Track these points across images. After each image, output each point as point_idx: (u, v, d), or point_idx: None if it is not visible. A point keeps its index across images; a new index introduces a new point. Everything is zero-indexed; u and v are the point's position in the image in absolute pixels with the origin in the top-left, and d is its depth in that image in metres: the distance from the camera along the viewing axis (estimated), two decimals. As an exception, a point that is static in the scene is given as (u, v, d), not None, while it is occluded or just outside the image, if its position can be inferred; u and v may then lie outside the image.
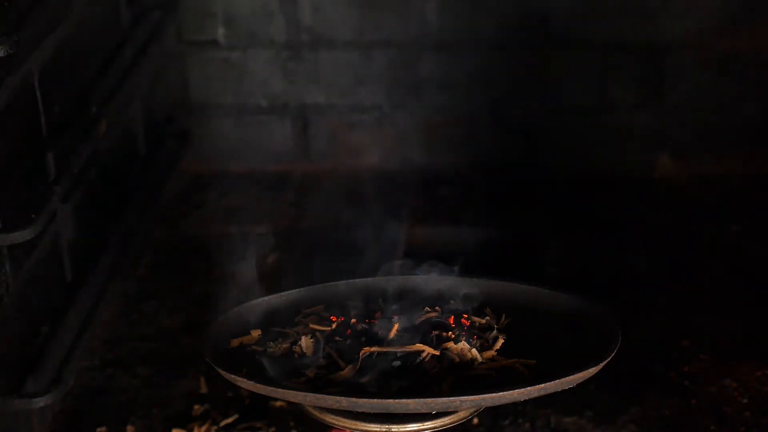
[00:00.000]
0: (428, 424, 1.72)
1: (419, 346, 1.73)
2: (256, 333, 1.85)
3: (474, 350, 1.74)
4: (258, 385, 1.68)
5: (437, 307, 1.85)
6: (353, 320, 1.83)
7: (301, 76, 3.18)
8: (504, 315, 1.86)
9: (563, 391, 1.68)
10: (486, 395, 1.64)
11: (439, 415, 1.72)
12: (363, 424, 1.72)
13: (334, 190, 3.08)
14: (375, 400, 1.64)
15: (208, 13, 3.15)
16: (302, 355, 1.78)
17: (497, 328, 1.82)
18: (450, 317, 1.82)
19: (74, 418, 2.31)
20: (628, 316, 2.55)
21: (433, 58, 3.14)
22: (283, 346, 1.81)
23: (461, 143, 3.21)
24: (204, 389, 2.37)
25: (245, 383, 1.70)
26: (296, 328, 1.85)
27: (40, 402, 2.04)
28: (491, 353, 1.76)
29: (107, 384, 2.41)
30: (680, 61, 3.11)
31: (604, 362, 1.70)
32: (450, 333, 1.77)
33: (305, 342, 1.79)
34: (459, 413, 1.74)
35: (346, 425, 1.73)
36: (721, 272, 2.75)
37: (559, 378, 1.66)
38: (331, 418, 1.74)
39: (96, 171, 2.51)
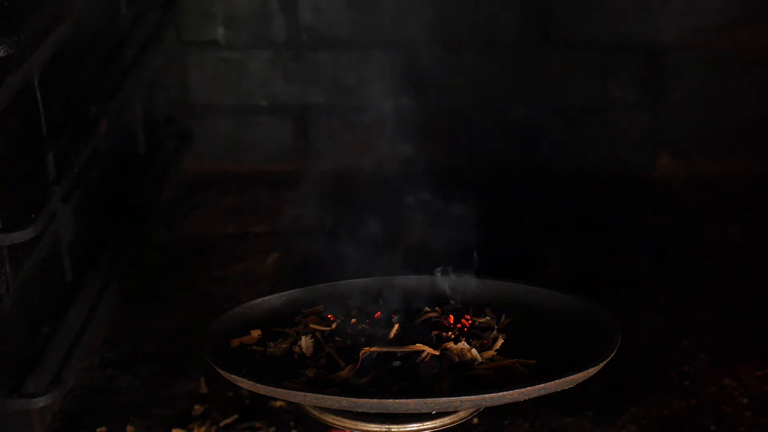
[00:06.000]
0: (428, 424, 1.72)
1: (419, 346, 1.73)
2: (256, 333, 1.85)
3: (474, 350, 1.74)
4: (258, 385, 1.68)
5: (437, 307, 1.85)
6: (353, 320, 1.83)
7: (301, 76, 3.18)
8: (504, 315, 1.86)
9: (563, 391, 1.68)
10: (486, 395, 1.64)
11: (439, 415, 1.72)
12: (363, 424, 1.72)
13: (334, 191, 3.08)
14: (375, 400, 1.64)
15: (208, 13, 3.15)
16: (302, 355, 1.78)
17: (497, 328, 1.82)
18: (450, 317, 1.82)
19: (74, 418, 2.31)
20: (628, 316, 2.55)
21: (432, 58, 3.14)
22: (283, 346, 1.81)
23: (461, 143, 3.21)
24: (204, 389, 2.38)
25: (245, 383, 1.70)
26: (296, 328, 1.85)
27: (40, 402, 2.04)
28: (491, 353, 1.76)
29: (107, 384, 2.41)
30: (680, 61, 3.11)
31: (604, 362, 1.71)
32: (450, 333, 1.78)
33: (305, 342, 1.79)
34: (459, 413, 1.74)
35: (346, 425, 1.73)
36: (721, 272, 2.75)
37: (559, 378, 1.66)
38: (331, 418, 1.74)
39: (96, 171, 2.51)
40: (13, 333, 2.07)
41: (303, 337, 1.80)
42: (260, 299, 1.92)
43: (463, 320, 1.82)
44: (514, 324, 1.85)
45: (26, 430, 2.16)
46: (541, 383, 1.65)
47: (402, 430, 1.72)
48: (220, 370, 1.72)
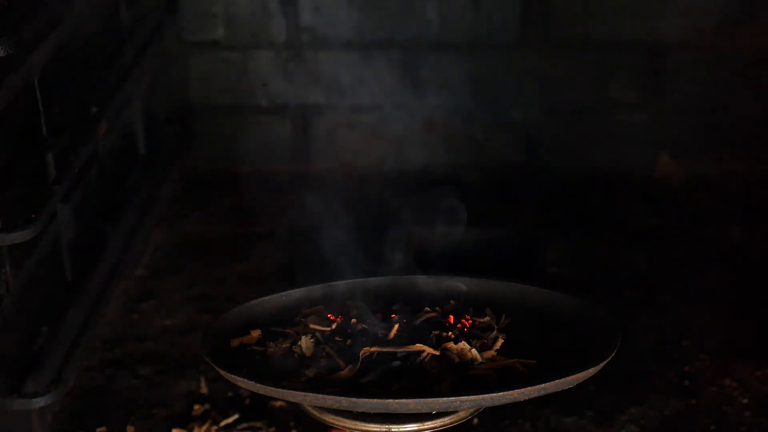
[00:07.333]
0: (428, 424, 1.72)
1: (419, 346, 1.73)
2: (256, 333, 1.85)
3: (474, 350, 1.74)
4: (258, 385, 1.68)
5: (437, 307, 1.85)
6: (353, 320, 1.83)
7: (301, 76, 3.18)
8: (504, 315, 1.86)
9: (563, 391, 1.68)
10: (486, 395, 1.64)
11: (439, 415, 1.72)
12: (363, 424, 1.72)
13: (333, 191, 3.08)
14: (375, 400, 1.64)
15: (208, 13, 3.15)
16: (302, 355, 1.78)
17: (497, 328, 1.82)
18: (450, 317, 1.82)
19: (74, 418, 2.31)
20: (628, 316, 2.55)
21: (433, 58, 3.14)
22: (283, 346, 1.81)
23: (461, 143, 3.21)
24: (204, 389, 2.38)
25: (245, 383, 1.70)
26: (296, 328, 1.85)
27: (40, 402, 2.04)
28: (491, 353, 1.76)
29: (107, 384, 2.41)
30: (680, 61, 3.11)
31: (604, 362, 1.71)
32: (450, 333, 1.78)
33: (305, 342, 1.79)
34: (459, 413, 1.74)
35: (346, 425, 1.73)
36: (721, 272, 2.75)
37: (559, 378, 1.66)
38: (331, 418, 1.74)
39: (96, 171, 2.51)
40: (13, 333, 2.07)
41: (303, 337, 1.80)
42: (260, 299, 1.92)
43: (463, 320, 1.82)
44: (514, 324, 1.84)
45: (26, 430, 2.16)
46: (541, 383, 1.65)
47: (402, 430, 1.72)
48: (220, 370, 1.72)
